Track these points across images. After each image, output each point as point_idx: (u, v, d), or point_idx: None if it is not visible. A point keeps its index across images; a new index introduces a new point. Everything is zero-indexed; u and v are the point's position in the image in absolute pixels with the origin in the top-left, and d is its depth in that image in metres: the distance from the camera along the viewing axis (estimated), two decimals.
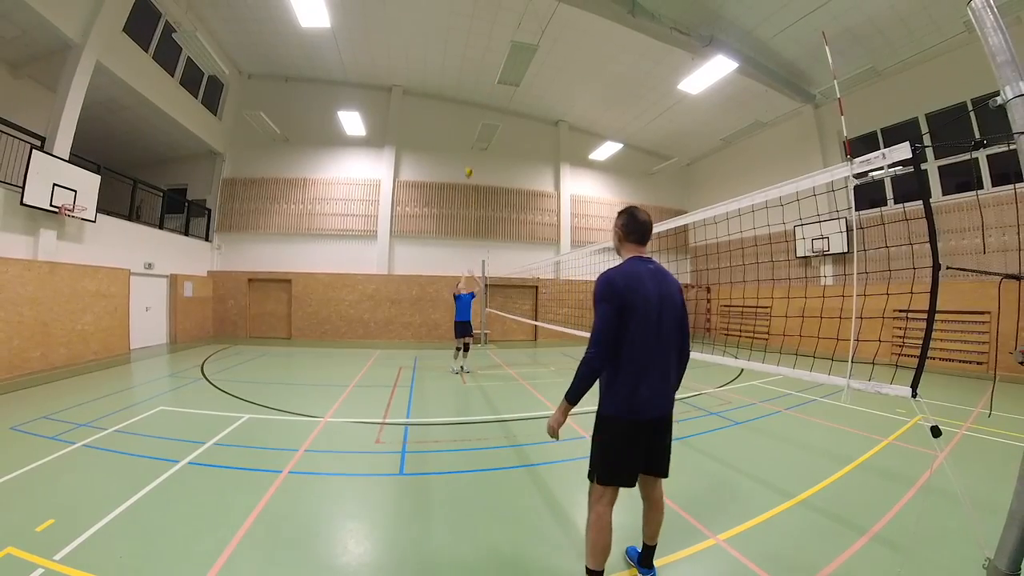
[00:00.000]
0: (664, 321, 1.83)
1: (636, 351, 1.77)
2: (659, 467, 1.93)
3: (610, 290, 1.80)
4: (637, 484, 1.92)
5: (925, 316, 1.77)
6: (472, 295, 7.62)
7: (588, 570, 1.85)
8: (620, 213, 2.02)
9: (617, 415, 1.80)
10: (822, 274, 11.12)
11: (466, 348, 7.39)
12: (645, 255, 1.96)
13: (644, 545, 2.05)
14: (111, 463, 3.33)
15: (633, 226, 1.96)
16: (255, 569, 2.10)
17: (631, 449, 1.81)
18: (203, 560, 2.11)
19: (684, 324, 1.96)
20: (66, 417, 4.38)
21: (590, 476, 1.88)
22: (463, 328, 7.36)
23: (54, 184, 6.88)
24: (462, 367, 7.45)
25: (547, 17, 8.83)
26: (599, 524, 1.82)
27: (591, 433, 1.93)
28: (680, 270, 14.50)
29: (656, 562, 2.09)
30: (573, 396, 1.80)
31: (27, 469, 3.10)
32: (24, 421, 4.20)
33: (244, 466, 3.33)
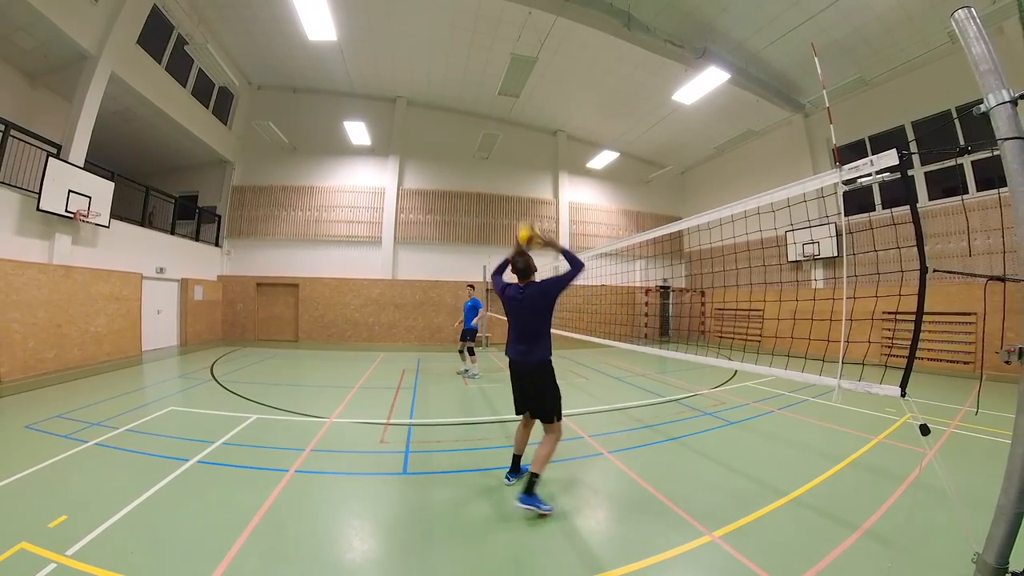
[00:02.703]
0: (521, 309, 2.96)
1: (509, 325, 3.07)
2: (537, 411, 2.94)
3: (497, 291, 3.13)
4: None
5: (913, 318, 1.81)
6: (472, 304, 7.76)
7: (514, 455, 3.15)
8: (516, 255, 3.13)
9: (509, 358, 3.03)
10: (813, 278, 11.16)
11: (461, 351, 7.78)
12: (518, 282, 3.07)
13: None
14: (123, 461, 3.39)
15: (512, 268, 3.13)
16: (262, 565, 2.14)
17: (514, 386, 3.04)
18: (212, 556, 2.16)
19: (537, 307, 2.96)
20: (79, 416, 4.46)
21: None
22: (462, 333, 7.74)
23: (69, 190, 7.06)
24: (466, 370, 7.66)
25: (546, 30, 9.04)
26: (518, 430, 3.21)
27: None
28: (675, 274, 14.64)
29: (654, 559, 2.21)
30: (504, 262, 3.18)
31: (41, 466, 3.16)
32: (38, 420, 4.28)
33: (252, 465, 3.39)
